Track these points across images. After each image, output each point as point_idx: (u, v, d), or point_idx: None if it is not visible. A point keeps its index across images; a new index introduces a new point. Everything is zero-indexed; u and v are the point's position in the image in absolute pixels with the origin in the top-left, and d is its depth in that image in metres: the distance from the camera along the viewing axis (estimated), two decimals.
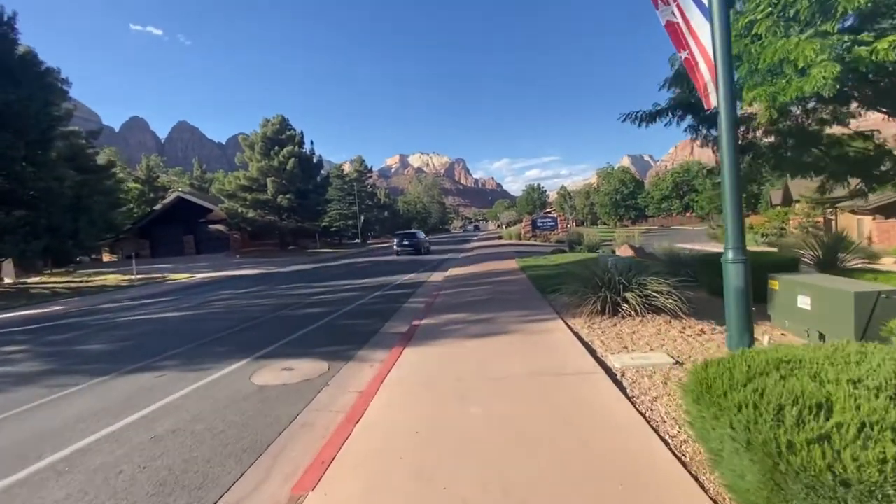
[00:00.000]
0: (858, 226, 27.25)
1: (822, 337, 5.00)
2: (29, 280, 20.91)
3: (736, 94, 4.89)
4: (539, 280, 11.10)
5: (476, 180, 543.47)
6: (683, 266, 8.96)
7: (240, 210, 37.30)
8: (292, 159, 37.52)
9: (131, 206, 45.69)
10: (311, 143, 46.85)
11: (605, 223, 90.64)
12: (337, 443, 3.34)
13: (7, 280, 20.22)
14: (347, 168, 73.82)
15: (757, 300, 5.03)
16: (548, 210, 79.26)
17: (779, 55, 5.49)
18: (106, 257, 51.62)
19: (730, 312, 4.31)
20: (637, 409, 3.54)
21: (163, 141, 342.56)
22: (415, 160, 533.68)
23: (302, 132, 44.65)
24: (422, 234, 32.98)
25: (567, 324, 6.53)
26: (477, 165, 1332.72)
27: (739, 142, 10.39)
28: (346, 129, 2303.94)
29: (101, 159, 51.55)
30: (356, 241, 62.57)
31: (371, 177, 68.24)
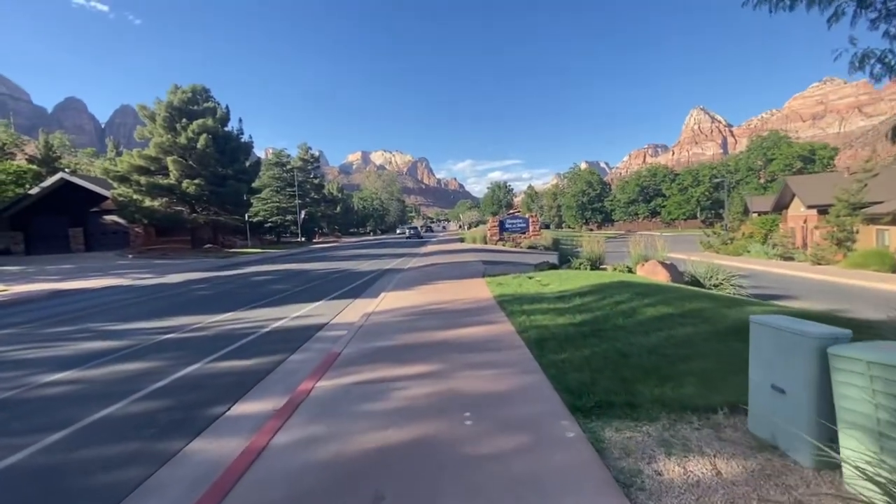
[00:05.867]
0: (879, 237, 23.39)
1: None
2: None
3: None
4: (560, 365, 4.86)
5: (439, 180, 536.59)
6: None
7: (134, 197, 29.14)
8: (204, 135, 29.53)
9: (20, 189, 35.81)
10: (240, 121, 39.08)
11: (569, 226, 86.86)
12: None
13: None
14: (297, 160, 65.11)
15: None
16: (513, 211, 74.02)
17: None
18: None
19: None
20: None
21: (103, 125, 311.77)
22: (377, 157, 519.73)
23: (227, 107, 36.77)
24: (418, 226, 50.19)
25: None
26: (440, 166, 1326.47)
27: None
28: (307, 123, 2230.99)
29: None
30: (301, 238, 54.67)
31: (318, 166, 60.23)
